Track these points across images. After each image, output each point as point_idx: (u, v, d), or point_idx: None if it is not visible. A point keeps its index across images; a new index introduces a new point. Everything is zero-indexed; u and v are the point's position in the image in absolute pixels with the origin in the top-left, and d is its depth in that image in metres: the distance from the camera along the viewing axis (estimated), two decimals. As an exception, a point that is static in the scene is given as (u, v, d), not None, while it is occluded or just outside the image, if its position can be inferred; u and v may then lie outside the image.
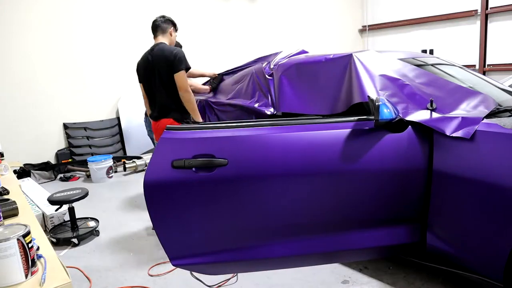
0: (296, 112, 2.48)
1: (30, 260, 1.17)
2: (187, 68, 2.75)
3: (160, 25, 2.88)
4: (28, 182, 4.13)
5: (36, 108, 5.10)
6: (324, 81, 2.36)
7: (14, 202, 1.73)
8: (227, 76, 3.61)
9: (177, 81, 2.71)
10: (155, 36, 2.91)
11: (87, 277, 2.44)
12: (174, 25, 2.96)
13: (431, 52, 7.77)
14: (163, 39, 2.87)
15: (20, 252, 1.14)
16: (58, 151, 5.35)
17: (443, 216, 1.82)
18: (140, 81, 2.97)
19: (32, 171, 4.82)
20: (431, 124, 1.78)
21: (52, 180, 4.99)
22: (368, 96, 1.91)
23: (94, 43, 5.53)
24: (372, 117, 1.79)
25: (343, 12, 8.73)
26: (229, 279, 2.31)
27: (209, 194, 1.75)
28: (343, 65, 2.21)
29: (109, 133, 5.70)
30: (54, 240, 2.96)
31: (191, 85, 3.87)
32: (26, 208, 1.83)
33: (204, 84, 3.84)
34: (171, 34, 2.92)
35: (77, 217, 3.14)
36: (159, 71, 2.76)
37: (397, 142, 1.81)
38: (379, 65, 2.17)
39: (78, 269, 2.53)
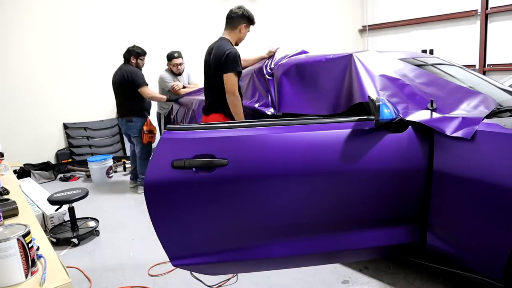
0: (296, 113, 2.48)
1: (30, 260, 1.17)
2: (239, 72, 2.64)
3: (233, 18, 2.73)
4: (28, 182, 4.13)
5: (36, 108, 5.10)
6: (324, 81, 2.36)
7: (14, 202, 1.73)
8: None
9: (225, 83, 2.63)
10: (225, 28, 2.79)
11: (87, 277, 2.44)
12: (250, 20, 2.79)
13: (431, 52, 7.77)
14: (229, 35, 2.75)
15: (20, 252, 1.14)
16: (58, 151, 5.34)
17: (443, 216, 1.82)
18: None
19: (32, 171, 4.82)
20: (431, 124, 1.78)
21: (52, 180, 4.99)
22: (369, 96, 1.91)
23: (94, 43, 5.53)
24: (372, 117, 1.79)
25: (343, 12, 8.73)
26: (229, 279, 2.31)
27: (209, 194, 1.75)
28: (343, 65, 2.21)
29: (109, 133, 5.71)
30: (54, 240, 2.96)
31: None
32: (26, 208, 1.82)
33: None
34: (240, 31, 2.76)
35: (77, 217, 3.14)
36: (213, 68, 2.69)
37: (397, 142, 1.81)
38: (379, 65, 2.17)
39: (78, 269, 2.53)
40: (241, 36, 2.79)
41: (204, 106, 2.95)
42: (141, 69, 4.20)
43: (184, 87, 4.38)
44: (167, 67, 4.50)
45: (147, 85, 4.08)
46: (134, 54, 4.09)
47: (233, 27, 2.74)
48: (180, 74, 4.47)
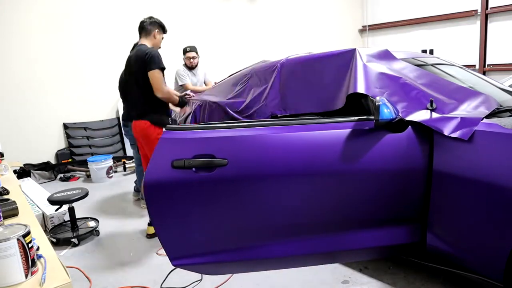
0: (302, 112, 2.46)
1: (30, 260, 1.17)
2: (162, 68, 2.71)
3: (145, 26, 2.87)
4: (28, 182, 4.13)
5: (36, 108, 5.10)
6: (329, 77, 2.34)
7: (14, 202, 1.73)
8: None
9: (151, 80, 2.69)
10: (139, 37, 2.91)
11: (87, 277, 2.44)
12: (161, 27, 2.93)
13: (431, 52, 7.76)
14: (145, 41, 2.86)
15: (20, 252, 1.14)
16: (58, 151, 5.35)
17: (443, 216, 1.82)
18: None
19: (32, 171, 4.82)
20: (431, 124, 1.78)
21: (52, 180, 4.99)
22: (369, 96, 1.91)
23: (94, 43, 5.53)
24: (372, 117, 1.79)
25: (343, 12, 8.73)
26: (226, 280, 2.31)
27: (209, 194, 1.75)
28: (347, 60, 2.19)
29: (109, 133, 5.71)
30: (54, 240, 2.96)
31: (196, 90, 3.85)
32: (26, 208, 1.82)
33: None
34: (155, 37, 2.89)
35: (77, 217, 3.14)
36: (135, 72, 2.75)
37: (397, 142, 1.81)
38: (380, 63, 2.15)
39: (78, 269, 2.52)
40: (156, 42, 2.91)
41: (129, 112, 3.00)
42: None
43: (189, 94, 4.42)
44: (183, 61, 4.64)
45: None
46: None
47: (147, 34, 2.87)
48: (193, 67, 4.58)
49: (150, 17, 2.91)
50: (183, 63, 4.62)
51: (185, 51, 4.58)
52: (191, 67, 4.59)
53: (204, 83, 4.70)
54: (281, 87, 2.69)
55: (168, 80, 4.29)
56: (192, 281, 2.30)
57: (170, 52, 6.10)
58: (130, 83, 2.86)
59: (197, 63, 4.62)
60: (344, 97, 2.06)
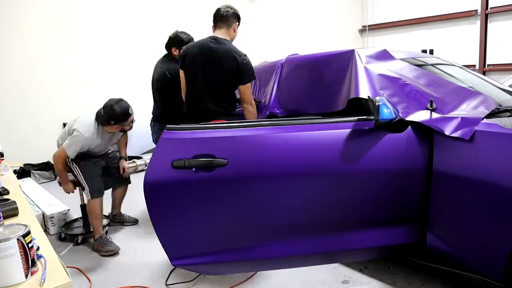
0: (302, 113, 2.47)
1: (30, 260, 1.17)
2: (254, 79, 2.55)
3: (227, 17, 2.53)
4: (28, 182, 4.13)
5: (36, 108, 5.10)
6: (328, 78, 2.34)
7: (14, 202, 1.73)
8: None
9: (242, 93, 2.50)
10: (216, 27, 2.58)
11: (87, 277, 2.43)
12: (239, 20, 2.64)
13: (431, 52, 7.77)
14: (223, 34, 2.54)
15: (20, 252, 1.14)
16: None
17: (443, 216, 1.82)
18: (184, 68, 2.60)
19: (32, 171, 4.82)
20: (431, 124, 1.78)
21: (52, 180, 4.98)
22: (368, 96, 1.91)
23: (94, 43, 5.53)
24: (372, 117, 1.79)
25: (343, 12, 8.73)
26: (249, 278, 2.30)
27: (209, 194, 1.75)
28: (345, 61, 2.20)
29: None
30: (64, 235, 3.03)
31: None
32: (26, 208, 1.82)
33: None
34: (234, 30, 2.61)
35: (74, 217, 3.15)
36: (221, 71, 2.45)
37: (397, 142, 1.81)
38: (379, 63, 2.16)
39: (78, 269, 2.52)
40: (233, 37, 2.63)
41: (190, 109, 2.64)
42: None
43: None
44: None
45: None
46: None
47: (229, 27, 2.57)
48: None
49: (231, 7, 2.59)
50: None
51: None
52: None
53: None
54: (281, 87, 2.69)
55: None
56: (195, 276, 2.30)
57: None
58: (203, 83, 2.49)
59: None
60: (345, 101, 2.07)
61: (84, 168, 2.87)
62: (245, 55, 2.49)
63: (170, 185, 1.70)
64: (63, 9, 5.23)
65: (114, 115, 2.76)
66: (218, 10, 2.60)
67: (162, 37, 6.05)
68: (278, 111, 2.66)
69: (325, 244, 1.88)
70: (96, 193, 2.81)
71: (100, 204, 2.83)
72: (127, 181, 3.28)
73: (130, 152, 5.76)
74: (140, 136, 5.22)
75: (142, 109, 5.56)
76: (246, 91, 2.51)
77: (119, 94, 5.77)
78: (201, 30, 6.53)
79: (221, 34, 2.57)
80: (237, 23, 2.63)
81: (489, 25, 7.13)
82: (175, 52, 3.10)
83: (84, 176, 2.85)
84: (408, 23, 8.17)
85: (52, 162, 5.19)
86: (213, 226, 1.80)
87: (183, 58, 2.61)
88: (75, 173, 2.90)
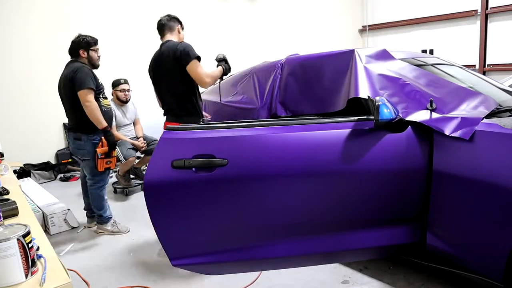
0: (302, 113, 2.46)
1: (30, 260, 1.17)
2: (198, 57, 2.53)
3: (167, 23, 2.72)
4: (28, 182, 4.13)
5: (36, 108, 5.10)
6: (327, 78, 2.34)
7: (14, 202, 1.73)
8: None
9: (190, 73, 2.51)
10: (162, 36, 2.75)
11: (84, 280, 2.41)
12: (180, 23, 2.81)
13: (431, 52, 7.77)
14: (171, 37, 2.71)
15: (20, 252, 1.14)
16: (58, 151, 5.34)
17: (443, 216, 1.82)
18: (153, 84, 2.83)
19: (32, 171, 4.82)
20: (431, 124, 1.78)
21: (52, 180, 4.99)
22: (368, 96, 1.91)
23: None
24: (372, 117, 1.79)
25: (343, 12, 8.73)
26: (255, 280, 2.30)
27: (209, 194, 1.75)
28: (345, 60, 2.20)
29: (109, 133, 5.70)
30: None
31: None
32: (26, 208, 1.83)
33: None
34: (179, 32, 2.76)
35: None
36: (168, 70, 2.59)
37: (397, 142, 1.81)
38: (379, 63, 2.16)
39: (76, 272, 2.50)
40: (181, 37, 2.77)
41: (165, 109, 2.76)
42: (96, 66, 3.13)
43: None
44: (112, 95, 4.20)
45: (92, 89, 2.87)
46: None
47: (172, 30, 2.73)
48: (126, 102, 4.22)
49: (168, 15, 2.78)
50: (111, 97, 4.13)
51: (117, 83, 4.16)
52: (123, 101, 4.17)
53: (133, 123, 4.35)
54: (280, 87, 2.69)
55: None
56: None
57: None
58: (164, 84, 2.67)
59: (130, 97, 4.23)
60: (345, 100, 2.07)
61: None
62: (183, 42, 2.61)
63: (170, 185, 1.70)
64: (63, 9, 5.23)
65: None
66: (159, 20, 2.78)
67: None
68: (283, 112, 2.64)
69: (325, 244, 1.88)
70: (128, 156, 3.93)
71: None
72: (147, 152, 4.27)
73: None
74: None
75: (142, 109, 5.55)
76: (192, 69, 2.50)
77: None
78: (200, 30, 6.55)
79: (167, 38, 2.73)
80: (179, 25, 2.78)
81: (489, 25, 7.13)
82: (83, 54, 3.09)
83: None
84: (408, 23, 8.17)
85: (53, 162, 5.21)
86: (213, 226, 1.80)
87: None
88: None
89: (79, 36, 3.10)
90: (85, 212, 3.31)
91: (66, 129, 3.26)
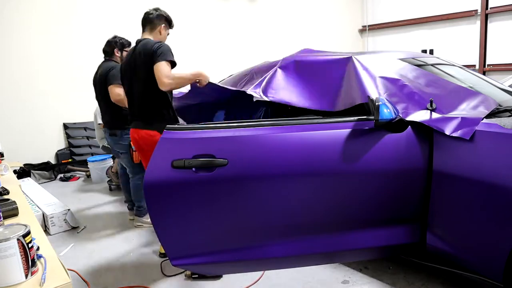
0: (286, 103, 2.39)
1: (30, 260, 1.17)
2: (171, 61, 2.30)
3: (150, 19, 2.53)
4: (28, 182, 4.13)
5: (36, 108, 5.10)
6: (322, 79, 2.34)
7: (14, 202, 1.73)
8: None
9: (155, 72, 2.27)
10: (142, 31, 2.56)
11: (84, 280, 2.42)
12: (168, 22, 2.59)
13: (431, 52, 7.77)
14: (149, 36, 2.51)
15: (20, 252, 1.14)
16: (58, 151, 5.35)
17: (443, 216, 1.82)
18: (121, 83, 2.66)
19: (32, 171, 4.82)
20: (431, 124, 1.78)
21: (52, 180, 4.99)
22: (368, 96, 1.91)
23: (94, 43, 5.51)
24: (372, 117, 1.79)
25: (343, 12, 8.73)
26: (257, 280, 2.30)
27: (209, 194, 1.75)
28: (342, 66, 2.20)
29: (109, 133, 5.71)
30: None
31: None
32: (26, 208, 1.83)
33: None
34: (160, 32, 2.54)
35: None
36: (139, 70, 2.40)
37: (397, 142, 1.82)
38: (379, 66, 2.16)
39: (75, 272, 2.50)
40: (161, 38, 2.55)
41: (130, 116, 2.58)
42: None
43: None
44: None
45: (119, 83, 2.93)
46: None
47: (153, 28, 2.54)
48: None
49: (156, 9, 2.57)
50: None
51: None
52: None
53: None
54: (271, 78, 2.64)
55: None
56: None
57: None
58: (136, 85, 2.49)
59: None
60: (348, 104, 2.06)
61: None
62: (161, 42, 2.39)
63: (170, 185, 1.70)
64: (63, 9, 5.23)
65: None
66: (146, 12, 2.59)
67: (162, 37, 6.06)
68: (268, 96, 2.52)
69: (325, 244, 1.88)
70: None
71: None
72: None
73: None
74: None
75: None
76: (156, 69, 2.26)
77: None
78: (200, 30, 6.55)
79: (145, 36, 2.55)
80: (163, 25, 2.56)
81: (489, 25, 7.13)
82: (118, 53, 3.31)
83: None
84: (408, 23, 8.17)
85: (53, 162, 5.21)
86: (213, 226, 1.80)
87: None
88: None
89: (115, 37, 3.34)
90: (126, 204, 3.47)
91: (103, 126, 3.37)
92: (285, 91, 2.40)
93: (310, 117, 2.05)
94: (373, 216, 1.89)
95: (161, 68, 2.25)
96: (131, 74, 2.51)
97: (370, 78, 2.07)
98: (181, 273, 2.38)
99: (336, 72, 2.25)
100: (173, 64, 2.33)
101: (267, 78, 2.56)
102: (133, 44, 2.71)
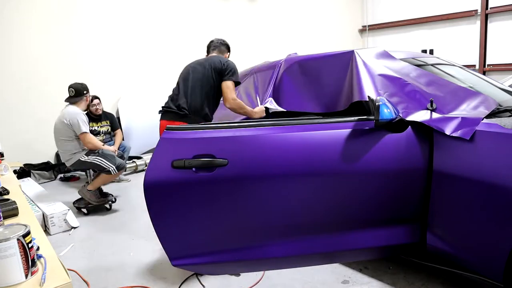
0: (297, 111, 2.47)
1: (30, 260, 1.17)
2: (237, 82, 2.67)
3: (219, 46, 2.90)
4: (28, 182, 4.13)
5: (36, 108, 5.10)
6: (326, 78, 2.35)
7: (14, 202, 1.73)
8: None
9: (224, 87, 2.60)
10: (208, 53, 2.91)
11: (84, 280, 2.42)
12: (229, 50, 2.98)
13: (431, 52, 7.77)
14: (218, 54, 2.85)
15: (20, 252, 1.14)
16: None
17: (443, 216, 1.82)
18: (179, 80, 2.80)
19: (32, 171, 4.82)
20: (431, 124, 1.78)
21: (52, 180, 4.98)
22: (368, 96, 1.91)
23: (94, 43, 5.53)
24: (372, 117, 1.79)
25: (343, 12, 8.74)
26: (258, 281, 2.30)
27: (209, 194, 1.75)
28: (345, 61, 2.20)
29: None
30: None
31: None
32: (26, 208, 1.83)
33: None
34: (227, 56, 2.91)
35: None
36: (204, 75, 2.66)
37: (397, 142, 1.81)
38: (379, 64, 2.16)
39: (76, 272, 2.50)
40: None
41: (167, 108, 2.69)
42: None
43: None
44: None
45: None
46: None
47: (220, 53, 2.88)
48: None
49: (221, 40, 2.95)
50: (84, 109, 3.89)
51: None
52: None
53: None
54: (275, 84, 2.68)
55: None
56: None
57: (169, 54, 6.13)
58: (191, 83, 2.67)
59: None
60: (347, 102, 2.07)
61: (103, 155, 3.56)
62: (230, 60, 2.74)
63: (170, 185, 1.70)
64: (64, 9, 5.23)
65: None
66: (212, 41, 2.94)
67: (162, 37, 6.07)
68: (270, 104, 2.62)
69: (325, 244, 1.88)
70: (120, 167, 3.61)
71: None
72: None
73: (131, 152, 5.78)
74: (140, 136, 5.23)
75: (142, 109, 5.56)
76: (227, 85, 2.61)
77: (120, 94, 5.78)
78: (200, 30, 6.55)
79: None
80: (228, 53, 2.93)
81: (489, 25, 7.13)
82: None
83: (105, 159, 3.53)
84: (408, 23, 8.17)
85: (53, 162, 5.22)
86: (213, 226, 1.80)
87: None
88: (96, 162, 3.52)
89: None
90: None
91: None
92: (294, 98, 2.50)
93: (310, 117, 2.06)
94: (373, 216, 1.89)
95: (232, 88, 2.60)
96: (194, 73, 2.69)
97: (369, 75, 2.06)
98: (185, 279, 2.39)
99: (339, 68, 2.24)
100: (237, 84, 2.69)
101: (274, 85, 2.63)
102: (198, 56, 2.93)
